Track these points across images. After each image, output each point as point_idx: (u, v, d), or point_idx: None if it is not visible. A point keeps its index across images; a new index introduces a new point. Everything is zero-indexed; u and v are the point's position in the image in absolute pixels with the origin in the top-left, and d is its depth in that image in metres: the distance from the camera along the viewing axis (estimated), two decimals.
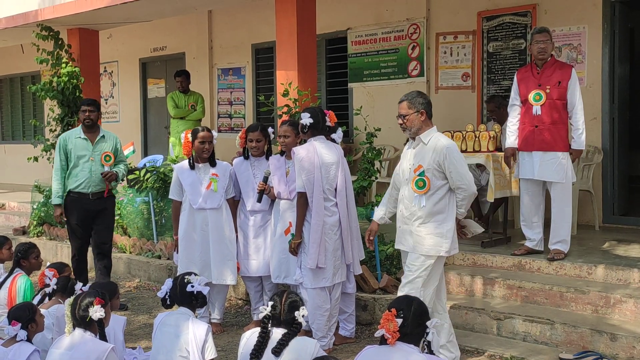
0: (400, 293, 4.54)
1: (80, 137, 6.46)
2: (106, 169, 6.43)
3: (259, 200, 5.52)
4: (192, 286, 4.09)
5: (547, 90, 5.76)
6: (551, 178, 5.79)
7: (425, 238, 4.47)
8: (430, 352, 3.28)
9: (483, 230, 4.98)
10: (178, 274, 5.60)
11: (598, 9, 7.42)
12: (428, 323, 3.30)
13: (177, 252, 5.72)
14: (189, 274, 4.21)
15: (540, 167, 5.83)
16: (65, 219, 6.51)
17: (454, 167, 4.41)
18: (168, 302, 4.16)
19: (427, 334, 3.28)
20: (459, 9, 8.53)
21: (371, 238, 4.95)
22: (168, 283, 4.18)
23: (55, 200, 6.48)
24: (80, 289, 4.41)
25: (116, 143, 6.61)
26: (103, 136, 6.52)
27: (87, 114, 6.41)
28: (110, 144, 6.53)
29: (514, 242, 6.50)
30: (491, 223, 6.56)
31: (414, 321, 3.27)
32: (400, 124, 4.61)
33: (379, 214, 4.86)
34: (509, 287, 5.57)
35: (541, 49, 5.82)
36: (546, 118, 5.77)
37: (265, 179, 5.46)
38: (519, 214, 7.20)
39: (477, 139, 6.42)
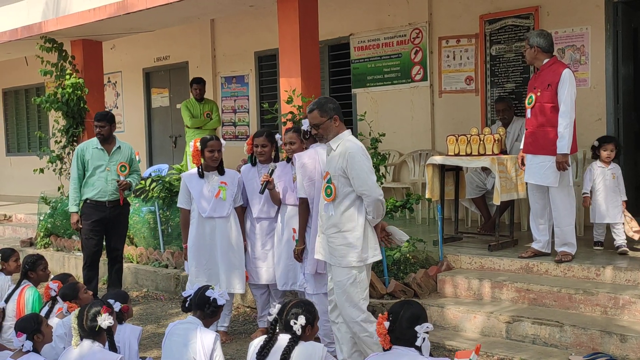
0: (332, 311, 4.58)
1: (97, 148, 6.65)
2: (121, 178, 6.61)
3: (262, 192, 5.49)
4: (212, 292, 4.14)
5: (538, 93, 5.74)
6: (539, 182, 5.76)
7: (338, 249, 4.40)
8: None
9: (408, 238, 4.82)
10: (188, 282, 5.65)
11: (601, 10, 7.41)
12: (417, 328, 3.26)
13: (187, 260, 5.73)
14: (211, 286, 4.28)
15: (529, 170, 5.84)
16: (81, 226, 6.64)
17: (355, 173, 4.30)
18: (187, 305, 4.21)
19: (417, 338, 3.24)
20: (461, 12, 8.53)
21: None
22: (195, 287, 4.29)
23: (72, 208, 6.66)
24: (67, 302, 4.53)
25: (131, 153, 6.83)
26: (119, 147, 6.73)
27: (97, 129, 6.63)
28: (125, 155, 6.75)
29: (520, 244, 6.48)
30: (498, 226, 6.54)
31: (402, 324, 3.27)
32: (315, 134, 4.51)
33: None
34: (517, 290, 5.55)
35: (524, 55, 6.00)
36: (534, 121, 5.76)
37: (271, 172, 5.45)
38: (525, 217, 7.21)
39: (482, 142, 6.41)
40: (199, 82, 9.69)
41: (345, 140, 4.42)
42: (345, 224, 4.38)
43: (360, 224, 4.38)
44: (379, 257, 4.52)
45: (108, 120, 6.63)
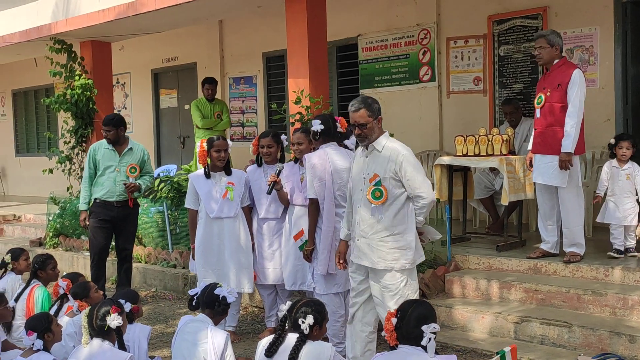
0: (354, 313, 4.49)
1: (108, 148, 6.69)
2: (131, 179, 6.61)
3: (269, 192, 5.50)
4: (221, 289, 4.15)
5: (548, 93, 5.73)
6: (548, 182, 5.75)
7: (390, 252, 4.23)
8: None
9: (440, 236, 4.85)
10: (198, 282, 5.67)
11: (609, 10, 7.39)
12: (424, 327, 3.25)
13: (194, 260, 5.75)
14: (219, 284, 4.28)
15: (537, 170, 5.83)
16: (88, 223, 6.72)
17: (410, 175, 4.19)
18: (193, 304, 4.21)
19: (423, 338, 3.23)
20: (469, 13, 8.53)
21: (341, 261, 4.60)
22: (202, 285, 4.28)
23: (82, 206, 6.77)
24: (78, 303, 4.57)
25: (143, 155, 6.83)
26: (131, 148, 6.74)
27: (104, 134, 6.67)
28: (137, 156, 6.75)
29: (529, 245, 6.47)
30: (506, 226, 6.53)
31: (409, 322, 3.28)
32: (358, 134, 4.32)
33: (345, 231, 4.57)
34: (526, 290, 5.55)
35: (534, 55, 5.93)
36: (543, 121, 5.76)
37: (279, 173, 5.47)
38: (533, 218, 7.19)
39: (490, 142, 6.41)
40: (211, 82, 9.51)
41: (391, 141, 4.33)
42: (397, 227, 4.25)
43: (412, 226, 4.30)
44: (424, 258, 4.49)
45: (114, 124, 6.60)
